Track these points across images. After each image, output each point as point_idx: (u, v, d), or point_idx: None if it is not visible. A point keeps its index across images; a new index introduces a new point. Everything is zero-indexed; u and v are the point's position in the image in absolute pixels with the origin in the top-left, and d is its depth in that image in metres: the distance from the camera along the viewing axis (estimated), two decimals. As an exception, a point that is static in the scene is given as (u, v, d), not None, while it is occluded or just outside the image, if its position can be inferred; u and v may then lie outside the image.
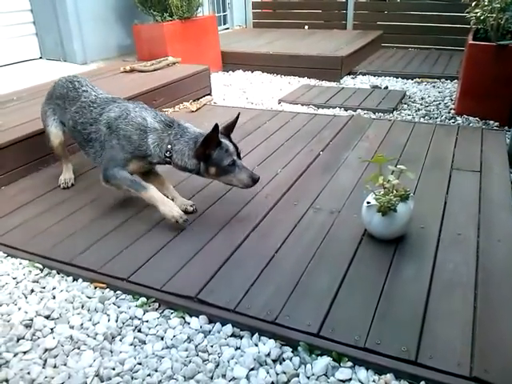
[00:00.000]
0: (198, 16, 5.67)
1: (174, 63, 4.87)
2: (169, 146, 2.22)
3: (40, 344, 1.67)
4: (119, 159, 2.26)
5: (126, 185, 2.25)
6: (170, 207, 2.22)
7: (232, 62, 5.97)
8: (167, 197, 2.32)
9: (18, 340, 1.69)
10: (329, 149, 3.19)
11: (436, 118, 4.03)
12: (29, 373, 1.55)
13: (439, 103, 4.41)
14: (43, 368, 1.58)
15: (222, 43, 6.05)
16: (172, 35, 5.20)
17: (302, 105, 4.47)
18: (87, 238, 2.20)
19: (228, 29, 7.92)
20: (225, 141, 2.22)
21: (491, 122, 3.81)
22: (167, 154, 2.23)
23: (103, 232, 2.25)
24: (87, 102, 2.44)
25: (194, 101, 4.41)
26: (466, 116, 3.96)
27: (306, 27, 7.66)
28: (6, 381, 1.52)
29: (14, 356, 1.62)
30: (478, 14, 3.94)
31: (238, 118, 2.33)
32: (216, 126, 2.08)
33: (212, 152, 2.17)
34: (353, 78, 5.55)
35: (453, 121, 3.92)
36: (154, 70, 4.63)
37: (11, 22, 4.90)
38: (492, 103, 3.81)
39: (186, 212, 2.34)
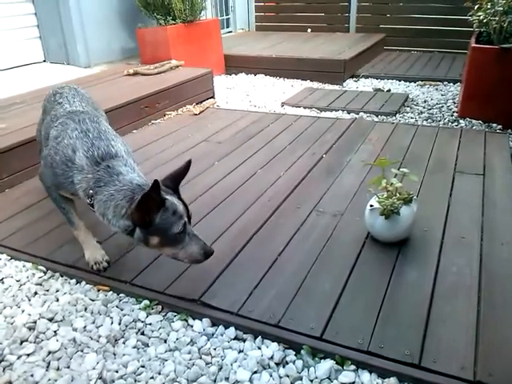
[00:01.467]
0: (201, 19, 5.70)
1: (177, 66, 4.89)
2: (90, 192, 1.74)
3: (43, 346, 1.67)
4: (48, 181, 1.97)
5: (57, 207, 2.04)
6: (92, 251, 2.03)
7: (235, 65, 5.98)
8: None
9: (22, 342, 1.70)
10: (332, 152, 3.19)
11: (439, 120, 4.03)
12: (32, 375, 1.55)
13: (442, 106, 4.40)
14: (46, 370, 1.58)
15: (225, 46, 6.06)
16: (175, 38, 5.22)
17: (305, 108, 4.47)
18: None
19: (231, 32, 7.94)
20: (171, 198, 1.66)
21: (494, 124, 3.80)
22: (89, 201, 1.76)
23: (106, 235, 2.25)
24: (52, 116, 2.10)
25: (197, 104, 4.42)
26: (468, 119, 3.95)
27: (309, 30, 7.67)
28: (10, 383, 1.53)
29: (18, 358, 1.62)
30: (481, 17, 3.93)
31: (189, 165, 1.76)
32: (156, 182, 1.54)
33: (154, 216, 1.61)
34: (355, 81, 5.55)
35: (456, 124, 3.92)
36: (158, 74, 4.65)
37: (15, 26, 4.92)
38: (495, 106, 3.81)
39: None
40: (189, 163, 1.76)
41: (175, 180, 1.75)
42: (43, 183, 2.05)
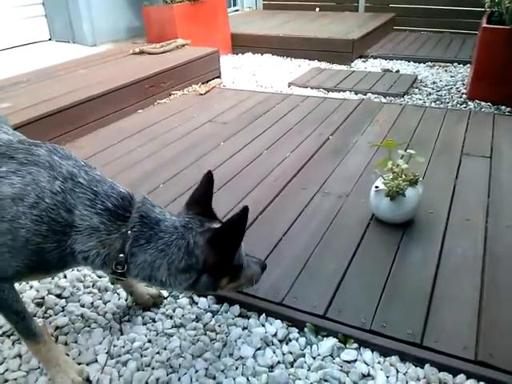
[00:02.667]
0: (208, -3, 5.62)
1: (184, 45, 4.85)
2: (121, 256, 1.27)
3: (51, 322, 1.70)
4: (6, 270, 1.27)
5: (8, 315, 1.38)
6: (65, 373, 1.43)
7: (242, 44, 5.92)
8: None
9: (30, 317, 1.73)
10: (338, 133, 3.18)
11: (447, 102, 3.98)
12: (41, 349, 1.59)
13: (451, 88, 4.35)
14: (55, 345, 1.61)
15: (232, 25, 5.99)
16: (181, 17, 5.16)
17: (312, 88, 4.43)
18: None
19: (238, 11, 7.84)
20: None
21: (503, 107, 3.75)
22: (117, 269, 1.28)
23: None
24: None
25: (203, 83, 4.39)
26: (477, 101, 3.91)
27: (317, 9, 7.55)
28: (20, 356, 1.56)
29: (27, 333, 1.66)
30: (493, -4, 3.86)
31: (211, 180, 1.41)
32: (246, 209, 1.26)
33: (234, 255, 1.34)
34: (364, 62, 5.49)
35: (464, 106, 3.88)
36: (163, 52, 4.61)
37: (20, 4, 4.88)
38: (505, 88, 3.75)
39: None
40: (210, 176, 1.40)
41: (205, 202, 1.41)
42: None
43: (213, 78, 4.60)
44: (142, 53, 4.59)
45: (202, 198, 1.40)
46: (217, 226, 1.35)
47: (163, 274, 1.29)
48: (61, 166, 1.29)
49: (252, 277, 1.48)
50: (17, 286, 1.86)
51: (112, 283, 1.86)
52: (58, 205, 1.23)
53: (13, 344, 1.61)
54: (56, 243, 1.24)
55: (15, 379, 1.49)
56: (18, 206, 1.20)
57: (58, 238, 1.24)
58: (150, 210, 1.32)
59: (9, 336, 1.64)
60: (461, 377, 1.42)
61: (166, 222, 1.31)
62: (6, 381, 1.48)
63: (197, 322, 1.68)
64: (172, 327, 1.67)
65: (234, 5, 7.81)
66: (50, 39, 5.32)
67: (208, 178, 1.40)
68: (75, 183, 1.28)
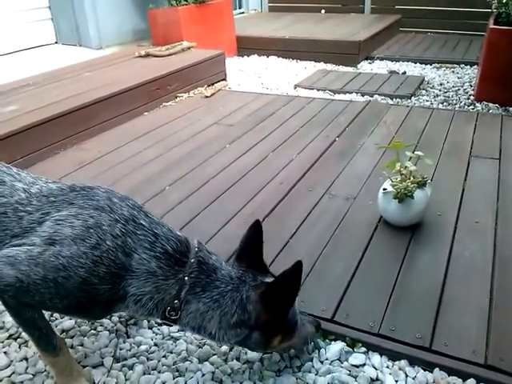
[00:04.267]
0: (213, 0, 5.62)
1: (189, 48, 4.85)
2: (175, 302, 1.24)
3: (58, 325, 1.70)
4: (36, 298, 1.22)
5: (29, 330, 1.33)
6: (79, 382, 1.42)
7: (247, 46, 5.92)
8: None
9: (37, 320, 1.73)
10: (345, 135, 3.16)
11: (455, 104, 3.96)
12: (47, 352, 1.58)
13: (458, 89, 4.33)
14: (61, 348, 1.61)
15: (238, 28, 5.99)
16: (187, 19, 5.16)
17: (318, 90, 4.42)
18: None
19: (243, 13, 7.84)
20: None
21: (511, 108, 3.72)
22: (171, 315, 1.25)
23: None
24: (11, 202, 1.30)
25: (209, 86, 4.39)
26: (485, 102, 3.88)
27: (323, 11, 7.54)
28: (26, 359, 1.56)
29: (33, 336, 1.65)
30: (500, -2, 3.83)
31: (261, 229, 1.37)
32: (300, 265, 1.24)
33: (287, 312, 1.30)
34: (370, 63, 5.47)
35: (472, 107, 3.85)
36: (169, 55, 4.61)
37: (27, 7, 4.91)
38: (513, 89, 3.73)
39: None
40: (259, 226, 1.36)
41: (256, 254, 1.36)
42: (15, 299, 1.23)
43: (218, 81, 4.60)
44: (147, 55, 4.60)
45: (252, 250, 1.35)
46: (269, 280, 1.30)
47: (214, 326, 1.26)
48: (121, 208, 1.28)
49: (306, 337, 1.45)
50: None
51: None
52: (117, 248, 1.21)
53: (19, 347, 1.61)
54: (111, 285, 1.21)
55: (22, 382, 1.48)
56: (78, 245, 1.19)
57: (114, 280, 1.21)
58: (208, 257, 1.29)
59: (15, 339, 1.64)
60: (471, 381, 1.40)
61: (222, 271, 1.28)
62: (13, 383, 1.48)
63: (203, 325, 1.67)
64: (178, 331, 1.65)
65: (240, 7, 7.81)
66: (56, 42, 5.34)
67: (256, 228, 1.35)
68: (137, 225, 1.26)
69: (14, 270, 1.18)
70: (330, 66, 5.36)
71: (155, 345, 1.60)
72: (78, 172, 2.74)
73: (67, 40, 5.29)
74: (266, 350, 1.42)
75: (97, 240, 1.20)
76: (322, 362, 1.51)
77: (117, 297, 1.23)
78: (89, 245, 1.19)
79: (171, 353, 1.57)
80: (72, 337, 1.64)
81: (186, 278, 1.23)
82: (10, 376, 1.50)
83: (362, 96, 4.22)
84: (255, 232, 1.36)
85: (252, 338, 1.28)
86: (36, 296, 1.20)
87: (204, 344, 1.59)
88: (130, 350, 1.58)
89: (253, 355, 1.53)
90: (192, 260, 1.25)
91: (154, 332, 1.65)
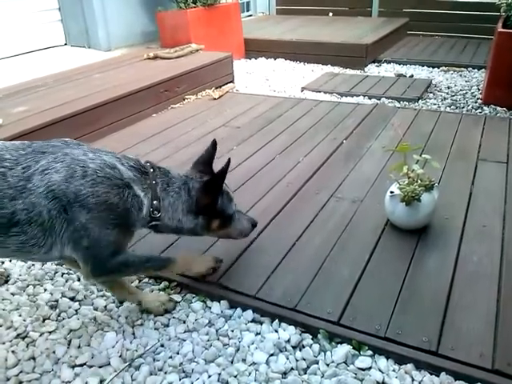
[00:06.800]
0: (222, 3, 5.64)
1: (197, 50, 4.87)
2: (155, 203, 1.54)
3: (65, 325, 1.71)
4: (107, 241, 1.48)
5: (143, 268, 1.68)
6: (201, 263, 1.81)
7: (255, 49, 5.93)
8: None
9: (44, 320, 1.74)
10: (352, 137, 3.16)
11: (462, 107, 3.95)
12: (54, 352, 1.60)
13: (466, 92, 4.31)
14: (68, 348, 1.62)
15: (245, 30, 6.01)
16: (195, 22, 5.19)
17: (325, 93, 4.42)
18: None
19: (251, 16, 7.86)
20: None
21: (519, 112, 3.71)
22: (155, 215, 1.56)
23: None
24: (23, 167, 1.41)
25: (217, 88, 4.40)
26: (493, 106, 3.86)
27: (331, 14, 7.55)
28: (33, 358, 1.57)
29: (40, 335, 1.67)
30: (509, 1, 3.82)
31: (215, 145, 1.75)
32: (224, 169, 1.63)
33: (218, 199, 1.67)
34: (377, 66, 5.47)
35: (479, 110, 3.84)
36: (178, 57, 4.64)
37: (37, 9, 4.95)
38: (521, 93, 3.71)
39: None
40: (214, 144, 1.74)
41: (208, 163, 1.72)
42: (106, 259, 1.51)
43: (226, 83, 4.61)
44: (156, 58, 4.62)
45: (207, 160, 1.71)
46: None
47: (180, 214, 1.61)
48: (81, 145, 1.54)
49: (242, 229, 1.80)
50: (30, 288, 1.88)
51: (120, 302, 1.82)
52: (102, 166, 1.45)
53: (27, 346, 1.62)
54: (119, 196, 1.46)
55: (29, 381, 1.49)
56: (71, 183, 1.40)
57: (119, 191, 1.46)
58: (158, 166, 1.64)
59: (23, 338, 1.65)
60: (478, 386, 1.40)
61: (173, 173, 1.65)
62: (21, 382, 1.49)
63: (209, 326, 1.68)
64: (185, 332, 1.66)
65: (248, 10, 7.83)
66: (65, 44, 5.38)
67: (212, 145, 1.73)
68: (100, 151, 1.52)
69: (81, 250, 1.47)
70: (337, 69, 5.36)
71: (162, 346, 1.61)
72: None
73: (76, 42, 5.33)
74: (209, 232, 1.73)
75: (82, 168, 1.42)
76: (328, 365, 1.51)
77: (131, 203, 1.49)
78: (80, 175, 1.41)
79: (177, 354, 1.57)
80: (79, 337, 1.65)
81: (154, 181, 1.56)
82: (17, 375, 1.52)
83: (370, 99, 4.22)
84: (211, 148, 1.73)
85: (199, 223, 1.66)
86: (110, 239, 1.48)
87: (210, 345, 1.59)
88: (136, 351, 1.58)
89: (259, 358, 1.53)
90: (151, 169, 1.58)
91: (160, 333, 1.66)
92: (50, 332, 1.68)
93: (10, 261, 2.07)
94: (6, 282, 1.95)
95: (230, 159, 1.64)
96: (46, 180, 1.39)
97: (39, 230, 1.42)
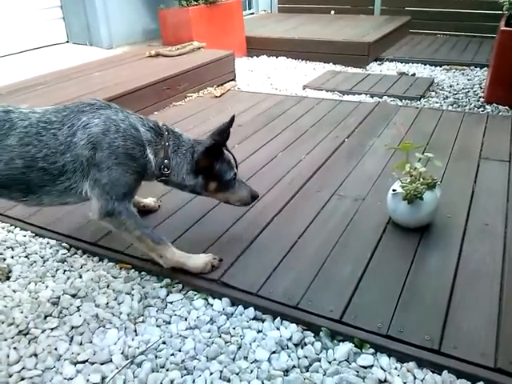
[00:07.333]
0: (223, 0, 5.63)
1: (199, 48, 4.87)
2: (165, 161, 1.83)
3: (67, 321, 1.71)
4: (124, 183, 1.75)
5: (140, 231, 1.78)
6: (199, 258, 1.86)
7: (257, 47, 5.93)
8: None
9: (46, 317, 1.74)
10: (354, 136, 3.15)
11: (465, 106, 3.94)
12: (56, 348, 1.60)
13: (468, 91, 4.30)
14: (70, 344, 1.62)
15: (247, 28, 6.00)
16: (197, 20, 5.18)
17: (327, 91, 4.42)
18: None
19: (253, 14, 7.85)
20: (225, 151, 1.94)
21: (522, 111, 3.70)
22: (165, 171, 1.84)
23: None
24: (36, 124, 1.70)
25: (218, 86, 4.40)
26: (495, 104, 3.86)
27: (333, 12, 7.54)
28: (35, 355, 1.57)
29: (42, 332, 1.67)
30: (512, -1, 3.81)
31: (232, 120, 1.92)
32: (224, 131, 1.88)
33: (215, 164, 1.88)
34: (379, 65, 5.46)
35: (482, 109, 3.83)
36: (179, 55, 4.63)
37: (39, 7, 4.95)
38: (523, 92, 3.70)
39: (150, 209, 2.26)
40: (232, 118, 1.93)
41: (222, 134, 1.91)
42: (114, 200, 1.73)
43: (228, 81, 4.61)
44: (157, 55, 4.62)
45: (222, 132, 1.91)
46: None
47: (184, 173, 1.87)
48: (110, 105, 1.82)
49: (241, 197, 2.00)
50: (32, 285, 1.88)
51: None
52: (129, 127, 1.76)
53: (29, 343, 1.62)
54: (140, 152, 1.77)
55: (31, 378, 1.49)
56: (107, 136, 1.71)
57: (140, 148, 1.77)
58: (176, 131, 1.91)
59: (25, 335, 1.65)
60: (480, 384, 1.39)
61: (184, 137, 1.91)
62: (23, 379, 1.49)
63: (211, 324, 1.68)
64: (186, 329, 1.66)
65: (250, 8, 7.82)
66: (67, 42, 5.38)
67: (231, 120, 1.92)
68: (127, 113, 1.82)
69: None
70: (339, 67, 5.35)
71: (163, 343, 1.61)
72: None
73: (78, 39, 5.33)
74: (206, 192, 1.96)
75: (116, 125, 1.73)
76: (330, 363, 1.51)
77: (147, 160, 1.79)
78: (114, 130, 1.72)
79: (179, 351, 1.57)
80: (81, 334, 1.66)
81: (167, 143, 1.84)
82: (19, 371, 1.52)
83: (372, 97, 4.21)
84: (229, 121, 1.91)
85: (198, 183, 1.90)
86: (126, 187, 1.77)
87: (212, 343, 1.59)
88: (138, 348, 1.58)
89: (261, 355, 1.53)
90: (166, 132, 1.85)
91: (162, 330, 1.66)
92: (52, 329, 1.68)
93: (12, 257, 2.07)
94: (8, 278, 1.95)
95: (233, 116, 1.92)
96: (87, 133, 1.70)
97: (80, 176, 1.73)
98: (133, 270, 1.96)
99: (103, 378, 1.48)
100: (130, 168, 1.75)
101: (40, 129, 1.69)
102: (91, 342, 1.63)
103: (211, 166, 1.88)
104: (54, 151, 1.68)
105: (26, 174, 1.68)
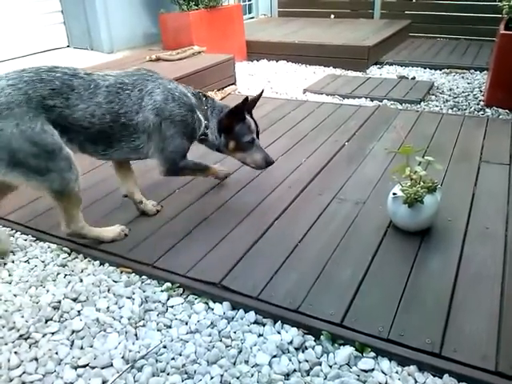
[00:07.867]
0: (224, 5, 5.66)
1: (199, 52, 4.88)
2: (206, 123, 2.17)
3: (67, 326, 1.71)
4: (182, 148, 2.13)
5: (199, 170, 2.32)
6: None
7: (257, 51, 5.95)
8: (135, 198, 2.29)
9: (47, 321, 1.74)
10: (354, 139, 3.16)
11: (465, 109, 3.95)
12: (57, 353, 1.59)
13: (468, 94, 4.31)
14: (70, 349, 1.62)
15: (247, 32, 6.02)
16: (197, 24, 5.20)
17: (327, 95, 4.43)
18: (114, 223, 2.23)
19: (253, 18, 7.88)
20: (247, 117, 2.23)
21: (522, 114, 3.71)
22: (206, 132, 2.18)
23: (129, 218, 2.28)
24: (115, 84, 1.94)
25: (219, 90, 4.41)
26: (495, 108, 3.86)
27: (332, 16, 7.56)
28: (36, 359, 1.57)
29: (43, 336, 1.67)
30: (512, 3, 3.82)
31: (261, 94, 2.32)
32: (246, 98, 2.14)
33: (235, 125, 2.18)
34: (379, 68, 5.47)
35: (482, 113, 3.83)
36: (180, 59, 4.65)
37: (40, 12, 4.97)
38: (523, 95, 3.71)
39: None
40: (261, 92, 2.33)
41: (250, 104, 2.24)
42: (177, 161, 2.12)
43: (228, 85, 4.62)
44: (158, 60, 4.64)
45: (251, 102, 2.24)
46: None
47: (215, 132, 2.21)
48: (161, 76, 2.12)
49: (256, 160, 2.26)
50: (32, 289, 1.88)
51: (124, 196, 2.32)
52: (182, 95, 2.08)
53: (29, 347, 1.62)
54: (191, 118, 2.10)
55: (32, 382, 1.49)
56: (168, 104, 2.02)
57: (192, 114, 2.10)
58: (210, 96, 2.25)
59: (26, 339, 1.65)
60: (481, 388, 1.39)
61: (217, 103, 2.26)
62: (23, 383, 1.49)
63: (212, 328, 1.67)
64: (187, 333, 1.66)
65: (250, 12, 7.85)
66: (68, 46, 5.39)
67: (260, 93, 2.34)
68: (175, 82, 2.13)
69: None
70: (339, 71, 5.37)
71: (164, 347, 1.61)
72: (87, 176, 2.75)
73: (79, 44, 5.35)
74: (228, 150, 2.26)
75: (172, 94, 2.03)
76: (330, 367, 1.51)
77: (197, 124, 2.13)
78: (171, 99, 2.03)
79: (180, 355, 1.57)
80: (82, 338, 1.65)
81: (206, 107, 2.18)
82: (20, 376, 1.52)
83: (372, 101, 4.22)
84: (258, 95, 2.32)
85: (221, 141, 2.23)
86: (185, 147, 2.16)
87: (213, 347, 1.59)
88: (139, 352, 1.58)
89: (262, 359, 1.53)
90: (204, 98, 2.19)
91: (162, 334, 1.66)
92: (53, 333, 1.68)
93: (13, 262, 2.07)
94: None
95: (263, 90, 2.38)
96: (152, 100, 1.99)
97: (147, 137, 2.02)
98: (133, 274, 1.96)
99: (104, 383, 1.48)
100: (186, 134, 2.09)
101: (118, 89, 1.94)
102: (92, 346, 1.62)
103: (232, 126, 2.17)
104: (130, 110, 1.95)
105: (112, 127, 1.95)
